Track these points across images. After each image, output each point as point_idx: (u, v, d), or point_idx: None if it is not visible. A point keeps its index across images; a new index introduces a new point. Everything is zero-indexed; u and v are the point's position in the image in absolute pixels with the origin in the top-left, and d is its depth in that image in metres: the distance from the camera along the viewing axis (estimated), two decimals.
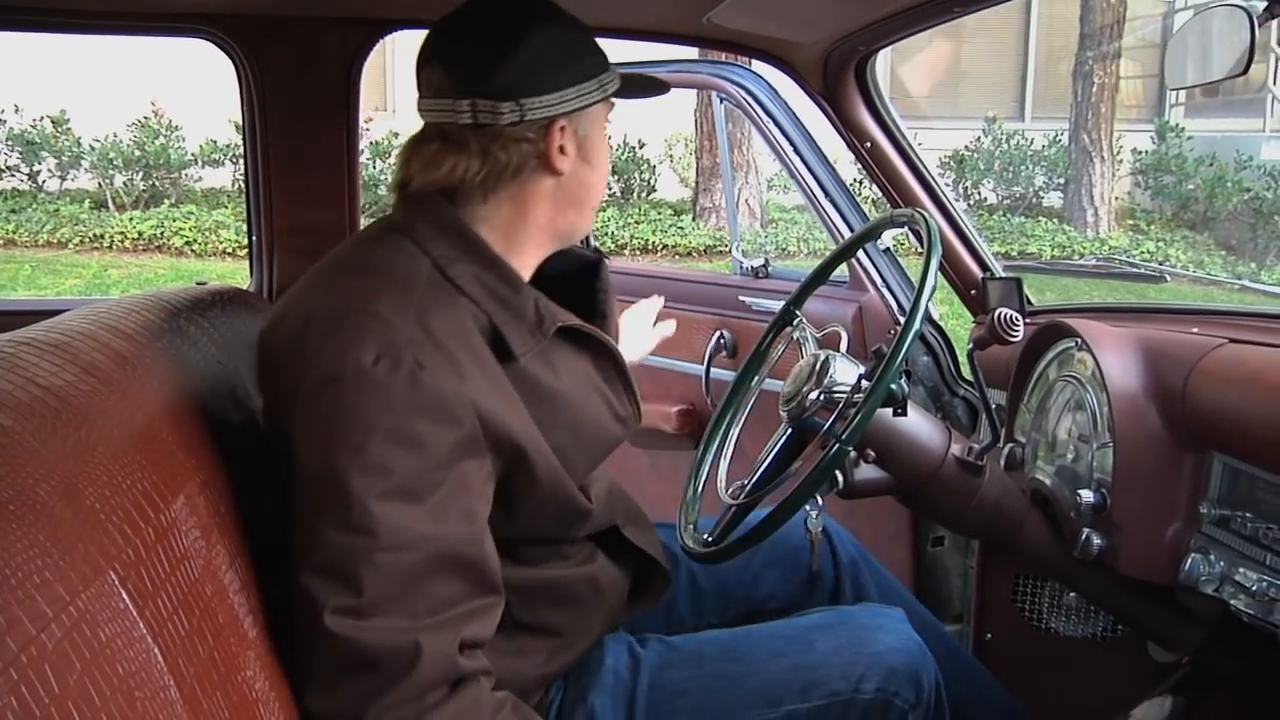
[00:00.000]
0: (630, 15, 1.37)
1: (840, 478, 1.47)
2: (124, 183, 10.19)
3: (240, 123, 2.21)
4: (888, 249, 2.31)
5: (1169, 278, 2.29)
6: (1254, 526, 1.40)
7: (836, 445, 1.34)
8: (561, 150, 1.30)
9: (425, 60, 1.31)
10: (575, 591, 1.42)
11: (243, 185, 2.33)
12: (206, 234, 9.59)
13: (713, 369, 2.57)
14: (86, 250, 9.53)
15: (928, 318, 2.21)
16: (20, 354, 1.03)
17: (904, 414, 1.44)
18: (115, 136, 10.04)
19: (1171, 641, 1.61)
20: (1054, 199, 11.19)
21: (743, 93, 2.43)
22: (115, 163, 10.06)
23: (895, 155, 2.20)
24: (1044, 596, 1.93)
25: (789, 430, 1.59)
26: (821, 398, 1.52)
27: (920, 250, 1.45)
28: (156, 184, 10.26)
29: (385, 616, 1.12)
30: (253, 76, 2.08)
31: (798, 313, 1.71)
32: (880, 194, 2.29)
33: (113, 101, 9.58)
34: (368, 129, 8.96)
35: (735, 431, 1.70)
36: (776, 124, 2.42)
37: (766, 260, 2.60)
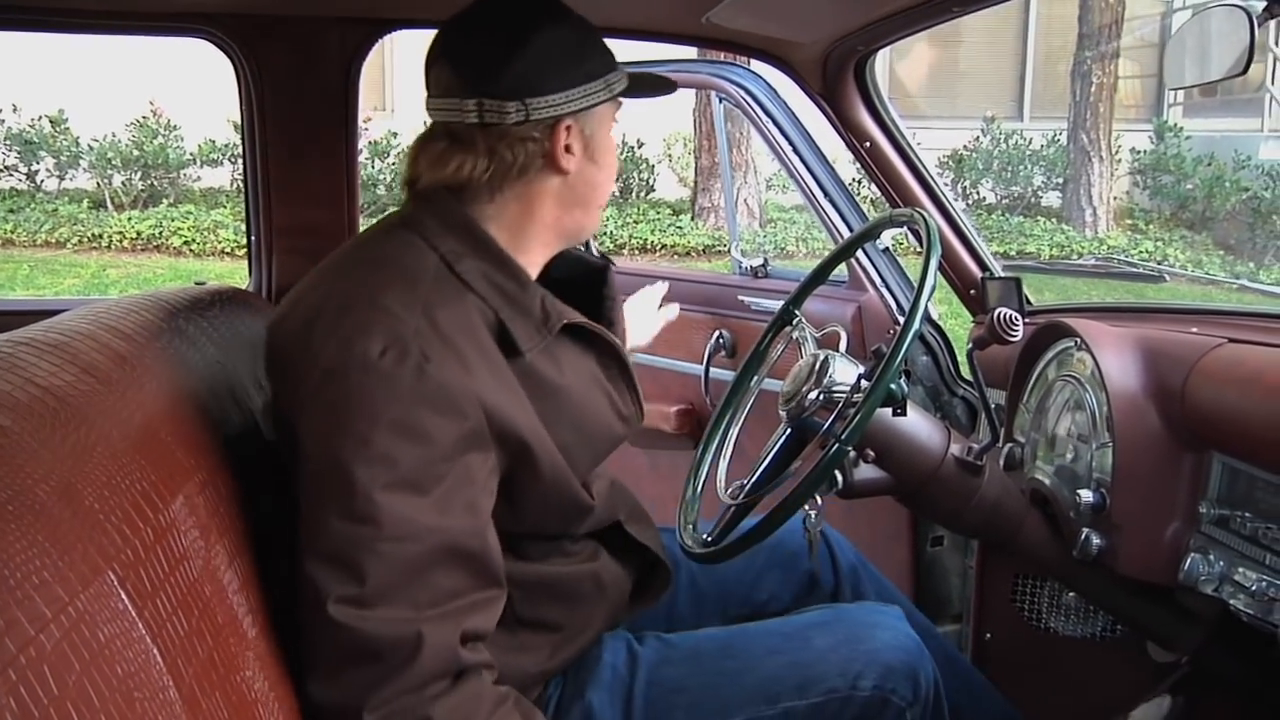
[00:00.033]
0: (630, 15, 1.38)
1: (840, 477, 1.47)
2: (122, 182, 10.19)
3: (239, 122, 2.20)
4: (887, 249, 2.31)
5: (1168, 277, 2.29)
6: (1253, 526, 1.40)
7: (836, 445, 1.34)
8: (568, 150, 1.31)
9: (434, 59, 1.32)
10: (578, 588, 1.42)
11: (241, 185, 2.33)
12: (205, 234, 9.59)
13: (712, 369, 2.57)
14: (85, 250, 9.52)
15: (927, 317, 2.21)
16: (19, 354, 1.03)
17: (903, 414, 1.43)
18: (114, 136, 10.04)
19: (1171, 641, 1.61)
20: (1052, 199, 11.20)
21: (742, 92, 2.43)
22: (114, 162, 10.06)
23: (894, 155, 2.20)
24: (1043, 596, 1.93)
25: (788, 430, 1.59)
26: (821, 397, 1.52)
27: (919, 250, 1.45)
28: (155, 184, 10.25)
29: (388, 607, 1.13)
30: (251, 76, 2.08)
31: (797, 312, 1.71)
32: (879, 194, 2.29)
33: (111, 101, 9.58)
34: (366, 129, 8.96)
35: (735, 431, 1.70)
36: (775, 124, 2.41)
37: (765, 260, 2.60)
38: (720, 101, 2.59)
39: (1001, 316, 1.44)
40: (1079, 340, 1.66)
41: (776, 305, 1.79)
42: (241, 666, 1.04)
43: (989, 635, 2.05)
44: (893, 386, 1.35)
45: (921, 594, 2.27)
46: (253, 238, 2.19)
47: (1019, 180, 11.06)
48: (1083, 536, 1.55)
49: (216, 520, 1.11)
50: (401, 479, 1.14)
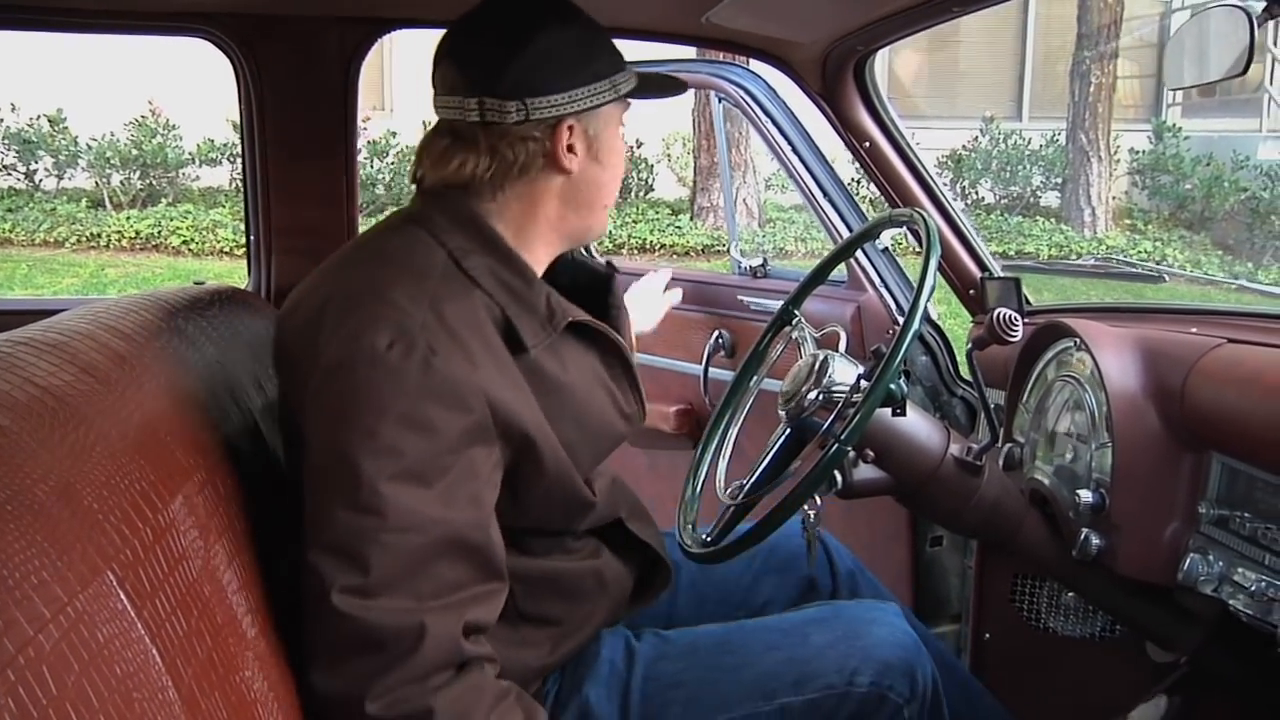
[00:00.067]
0: (629, 14, 1.38)
1: (839, 478, 1.46)
2: (121, 182, 10.18)
3: (237, 122, 2.20)
4: (886, 249, 2.31)
5: (1167, 278, 2.28)
6: (1253, 526, 1.40)
7: (835, 445, 1.34)
8: (571, 150, 1.32)
9: (440, 58, 1.33)
10: (580, 584, 1.43)
11: (240, 184, 2.33)
12: (204, 233, 9.58)
13: (711, 369, 2.57)
14: (83, 249, 9.51)
15: (926, 318, 2.21)
16: (18, 353, 1.03)
17: (903, 414, 1.43)
18: (112, 135, 10.03)
19: (1170, 641, 1.61)
20: (1051, 198, 11.20)
21: (741, 92, 2.43)
22: (112, 162, 10.05)
23: (894, 155, 2.19)
24: (1042, 596, 1.93)
25: (788, 430, 1.59)
26: (820, 397, 1.52)
27: (918, 250, 1.45)
28: (154, 183, 10.25)
29: (391, 597, 1.14)
30: (251, 76, 2.08)
31: (796, 312, 1.71)
32: (878, 194, 2.29)
33: (110, 100, 9.57)
34: (365, 128, 8.95)
35: (734, 431, 1.70)
36: (775, 123, 2.41)
37: (765, 260, 2.60)
38: (719, 101, 2.58)
39: (1001, 317, 1.44)
40: (1078, 340, 1.66)
41: (776, 305, 1.79)
42: (241, 666, 1.04)
43: (988, 635, 2.05)
44: (892, 386, 1.35)
45: (920, 594, 2.27)
46: (252, 237, 2.19)
47: (1018, 180, 11.06)
48: (1082, 536, 1.55)
49: (216, 520, 1.10)
50: (407, 471, 1.15)
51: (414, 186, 1.38)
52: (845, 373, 1.53)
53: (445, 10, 2.09)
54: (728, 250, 2.87)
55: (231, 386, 1.37)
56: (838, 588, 1.71)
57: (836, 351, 1.59)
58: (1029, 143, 11.08)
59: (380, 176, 10.18)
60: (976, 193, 11.14)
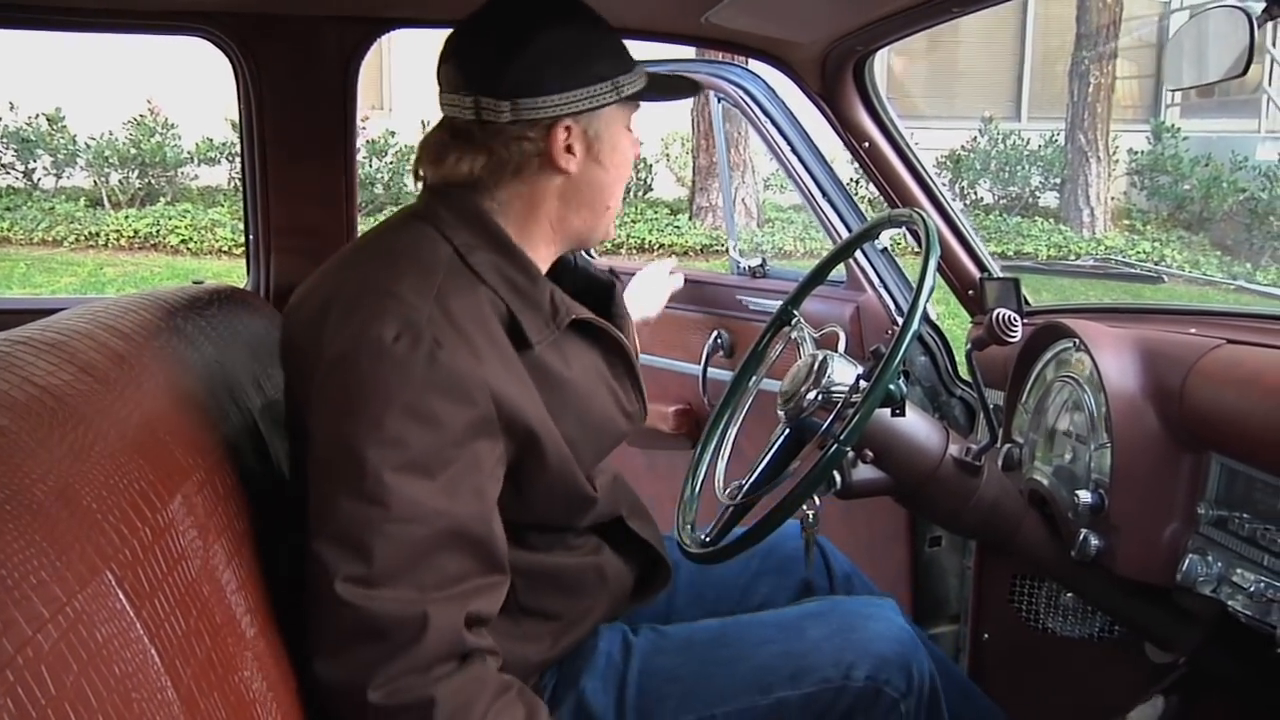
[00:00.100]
0: (628, 14, 1.37)
1: (838, 478, 1.46)
2: (120, 181, 10.17)
3: (236, 121, 2.20)
4: (885, 249, 2.31)
5: (1165, 278, 2.28)
6: (1251, 527, 1.40)
7: (835, 445, 1.34)
8: (570, 150, 1.32)
9: (444, 56, 1.34)
10: (580, 580, 1.44)
11: (239, 183, 2.33)
12: (202, 232, 9.57)
13: (710, 369, 2.57)
14: (82, 248, 9.51)
15: (925, 318, 2.21)
16: (17, 353, 1.03)
17: (902, 414, 1.43)
18: (111, 134, 10.02)
19: (1169, 642, 1.61)
20: (1050, 199, 11.20)
21: (740, 92, 2.43)
22: (111, 161, 10.04)
23: (893, 155, 2.19)
24: (1041, 597, 1.93)
25: (787, 430, 1.59)
26: (819, 398, 1.52)
27: (917, 250, 1.45)
28: (152, 182, 10.24)
29: (394, 587, 1.14)
30: (250, 75, 2.08)
31: (795, 313, 1.71)
32: (877, 193, 2.29)
33: (108, 99, 9.57)
34: (364, 128, 8.94)
35: (733, 432, 1.70)
36: (774, 123, 2.41)
37: (764, 260, 2.60)
38: (718, 101, 2.58)
39: (1000, 317, 1.44)
40: (1077, 341, 1.66)
41: (775, 305, 1.79)
42: (240, 666, 1.04)
43: (986, 636, 2.05)
44: (891, 387, 1.35)
45: (919, 594, 2.27)
46: (251, 237, 2.18)
47: (1016, 180, 11.07)
48: (1081, 537, 1.55)
49: (215, 520, 1.10)
50: (411, 462, 1.16)
51: (417, 185, 1.39)
52: (844, 373, 1.53)
53: (444, 10, 2.10)
54: (726, 250, 2.87)
55: (231, 386, 1.37)
56: (834, 590, 1.72)
57: (835, 352, 1.59)
58: (1028, 143, 11.08)
59: (379, 176, 10.17)
60: (975, 193, 11.15)
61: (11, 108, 9.83)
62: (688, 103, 9.77)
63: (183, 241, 9.53)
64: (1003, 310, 1.45)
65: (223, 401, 1.31)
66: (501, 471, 1.25)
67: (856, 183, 6.93)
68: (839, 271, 2.28)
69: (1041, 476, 1.71)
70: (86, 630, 0.82)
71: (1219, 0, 1.46)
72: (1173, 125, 11.38)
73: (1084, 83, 10.80)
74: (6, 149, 10.05)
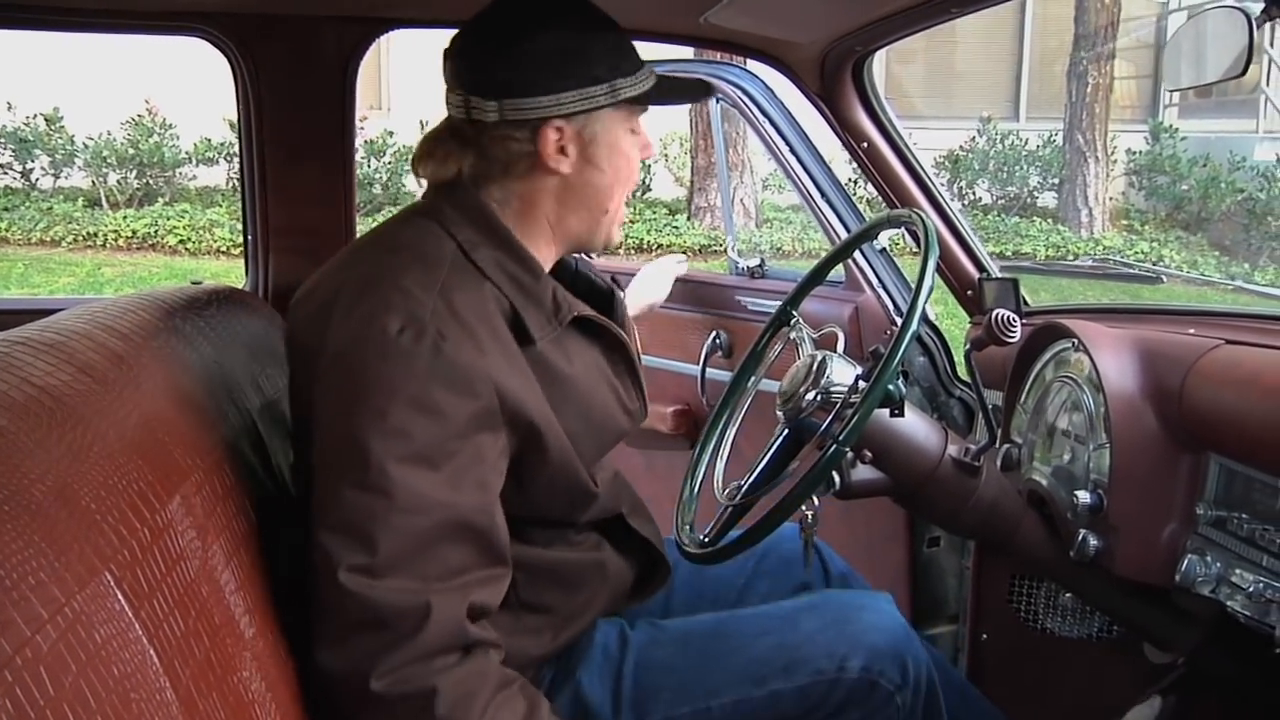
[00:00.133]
0: (627, 14, 1.37)
1: (837, 478, 1.46)
2: (118, 181, 10.16)
3: (234, 121, 2.20)
4: (884, 249, 2.31)
5: (1164, 278, 2.28)
6: (1250, 528, 1.40)
7: (834, 446, 1.34)
8: (562, 152, 1.33)
9: (445, 53, 1.36)
10: (581, 576, 1.45)
11: (237, 184, 2.33)
12: (200, 232, 9.56)
13: (708, 369, 2.57)
14: (80, 248, 9.50)
15: (924, 318, 2.21)
16: (15, 353, 1.03)
17: (901, 415, 1.43)
18: (109, 134, 10.01)
19: (1168, 642, 1.61)
20: (1048, 199, 11.21)
21: (739, 92, 2.42)
22: (109, 161, 10.03)
23: (892, 155, 2.19)
24: (1040, 597, 1.93)
25: (785, 431, 1.59)
26: (818, 398, 1.52)
27: (916, 250, 1.45)
28: (150, 182, 10.24)
29: (397, 577, 1.15)
30: (248, 75, 2.08)
31: (794, 313, 1.71)
32: (876, 194, 2.29)
33: (106, 99, 9.56)
34: (363, 128, 8.93)
35: (731, 432, 1.70)
36: (772, 124, 2.41)
37: (762, 260, 2.60)
38: (717, 102, 2.58)
39: (999, 318, 1.44)
40: (1076, 341, 1.66)
41: (773, 306, 1.79)
42: (239, 667, 1.04)
43: (985, 636, 2.05)
44: (890, 387, 1.35)
45: (918, 595, 2.27)
46: (249, 237, 2.18)
47: (1015, 181, 11.07)
48: (1080, 537, 1.55)
49: (213, 520, 1.10)
50: (415, 453, 1.17)
51: (420, 183, 1.40)
52: (843, 373, 1.53)
53: (443, 10, 2.10)
54: (725, 250, 2.87)
55: (229, 386, 1.37)
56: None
57: (834, 352, 1.59)
58: (1026, 143, 11.08)
59: (377, 176, 10.17)
60: (974, 193, 11.15)
61: (9, 108, 9.82)
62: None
63: (181, 242, 9.52)
64: (1001, 310, 1.45)
65: (221, 402, 1.31)
66: (504, 464, 1.26)
67: (855, 183, 6.93)
68: (838, 272, 2.28)
69: (1040, 477, 1.71)
70: (85, 631, 0.82)
71: (1218, 1, 1.46)
72: (1171, 125, 11.38)
73: (1082, 83, 10.80)
74: (4, 149, 10.04)
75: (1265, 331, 1.60)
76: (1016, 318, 1.45)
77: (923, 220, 1.45)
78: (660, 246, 9.82)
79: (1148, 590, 1.55)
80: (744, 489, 1.57)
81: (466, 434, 1.20)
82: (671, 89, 1.42)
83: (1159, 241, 10.20)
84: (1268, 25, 1.41)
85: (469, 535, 1.20)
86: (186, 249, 9.50)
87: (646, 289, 2.29)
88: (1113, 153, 11.06)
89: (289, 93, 2.10)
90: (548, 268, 1.38)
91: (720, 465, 1.65)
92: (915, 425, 1.51)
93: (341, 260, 1.36)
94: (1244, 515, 1.42)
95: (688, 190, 10.81)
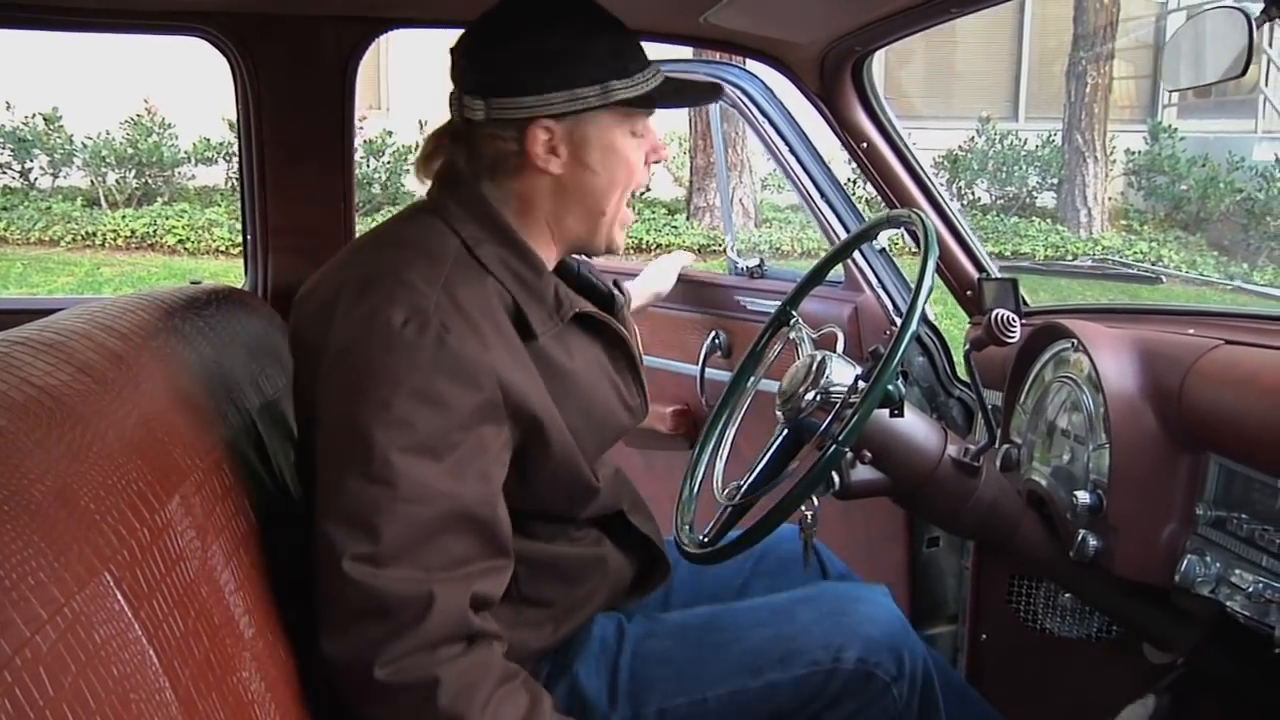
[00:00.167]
0: (626, 14, 1.37)
1: (836, 478, 1.46)
2: (116, 180, 10.15)
3: (234, 121, 2.20)
4: (883, 249, 2.31)
5: (1164, 279, 2.28)
6: (1250, 528, 1.40)
7: (833, 446, 1.34)
8: (553, 152, 1.33)
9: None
10: (582, 570, 1.46)
11: (236, 183, 2.33)
12: (199, 232, 9.55)
13: (707, 369, 2.56)
14: (78, 248, 9.49)
15: (923, 318, 2.21)
16: (14, 353, 1.03)
17: (900, 415, 1.43)
18: (108, 134, 10.00)
19: (1167, 643, 1.61)
20: (1047, 199, 11.21)
21: (738, 92, 2.42)
22: (108, 160, 10.02)
23: (891, 156, 2.19)
24: (1039, 597, 1.93)
25: (785, 431, 1.59)
26: (818, 398, 1.52)
27: (915, 250, 1.45)
28: (149, 182, 10.22)
29: (400, 566, 1.16)
30: (248, 75, 2.07)
31: (794, 313, 1.71)
32: (875, 194, 2.29)
33: (105, 99, 9.55)
34: (362, 128, 8.93)
35: (731, 432, 1.70)
36: (772, 124, 2.41)
37: (762, 260, 2.60)
38: (716, 101, 2.58)
39: (999, 318, 1.44)
40: (1076, 341, 1.66)
41: (773, 306, 1.79)
42: (238, 667, 1.04)
43: (984, 636, 2.05)
44: (890, 387, 1.35)
45: (917, 595, 2.27)
46: (249, 237, 2.18)
47: (1014, 181, 11.07)
48: (1079, 538, 1.55)
49: (213, 520, 1.10)
50: (419, 444, 1.18)
51: (424, 182, 1.42)
52: (843, 373, 1.53)
53: (442, 10, 2.10)
54: (724, 250, 2.87)
55: (229, 386, 1.37)
56: None
57: (834, 352, 1.59)
58: (1025, 143, 11.08)
59: (376, 176, 10.15)
60: (973, 193, 11.14)
61: (8, 107, 9.81)
62: None
63: (180, 241, 9.51)
64: (1001, 311, 1.45)
65: (221, 402, 1.31)
66: (507, 456, 1.28)
67: (854, 183, 6.92)
68: (837, 272, 2.28)
69: (1040, 477, 1.71)
70: (85, 631, 0.82)
71: (1217, 1, 1.46)
72: (1170, 126, 11.38)
73: (1081, 83, 10.81)
74: (3, 148, 10.02)
75: (1264, 332, 1.60)
76: (1016, 318, 1.45)
77: (922, 220, 1.45)
78: (659, 246, 9.80)
79: (1147, 590, 1.55)
80: (743, 489, 1.58)
81: (469, 425, 1.21)
82: (679, 91, 1.42)
83: (1158, 241, 10.21)
84: (1267, 25, 1.41)
85: (472, 526, 1.21)
86: (185, 249, 9.49)
87: (654, 279, 2.36)
88: (1112, 153, 11.06)
89: (288, 93, 2.10)
90: (550, 266, 1.39)
91: (720, 465, 1.65)
92: (915, 425, 1.51)
93: (344, 258, 1.37)
94: (1243, 515, 1.42)
95: (687, 190, 10.80)
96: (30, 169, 10.12)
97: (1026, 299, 2.08)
